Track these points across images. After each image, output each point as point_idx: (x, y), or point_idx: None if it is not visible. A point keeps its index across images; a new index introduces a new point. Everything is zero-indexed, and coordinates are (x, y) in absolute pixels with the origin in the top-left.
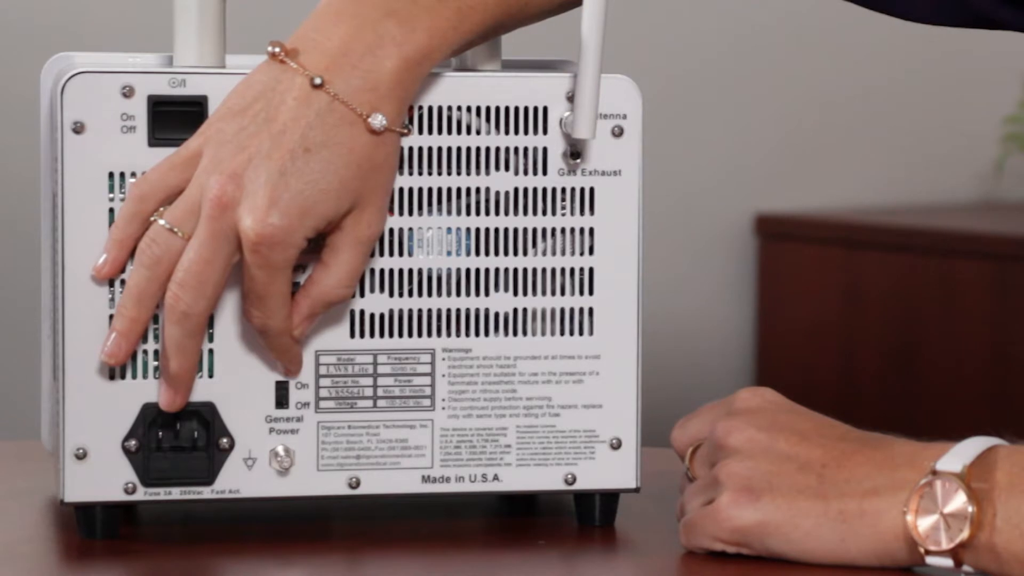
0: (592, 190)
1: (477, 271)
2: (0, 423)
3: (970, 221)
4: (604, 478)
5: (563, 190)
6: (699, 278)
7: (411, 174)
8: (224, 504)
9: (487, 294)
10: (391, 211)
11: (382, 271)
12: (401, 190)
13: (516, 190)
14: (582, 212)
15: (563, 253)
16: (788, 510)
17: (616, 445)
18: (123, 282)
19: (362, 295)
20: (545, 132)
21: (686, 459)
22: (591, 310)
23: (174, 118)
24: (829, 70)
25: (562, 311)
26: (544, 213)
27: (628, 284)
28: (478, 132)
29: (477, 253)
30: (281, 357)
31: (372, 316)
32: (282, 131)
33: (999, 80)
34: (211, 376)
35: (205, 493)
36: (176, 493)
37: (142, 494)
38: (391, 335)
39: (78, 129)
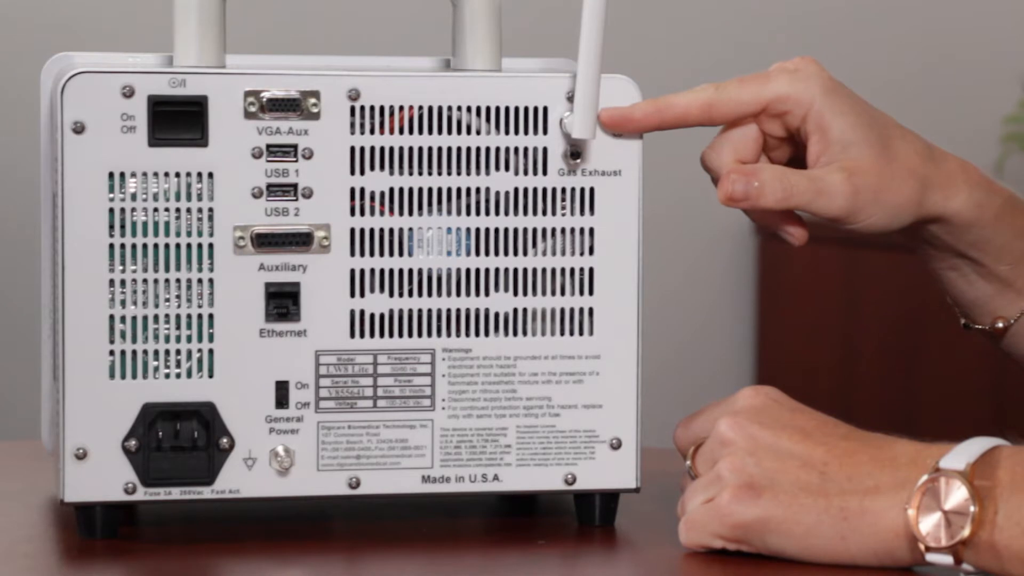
0: (592, 190)
1: (477, 271)
2: (0, 423)
3: None
4: (604, 478)
5: (563, 190)
6: (699, 278)
7: (411, 174)
8: (224, 504)
9: (487, 294)
10: (391, 211)
11: (382, 271)
12: (401, 190)
13: (516, 190)
14: (582, 212)
15: (563, 253)
16: (789, 506)
17: (616, 445)
18: (123, 282)
19: (362, 295)
20: (545, 132)
21: (688, 457)
22: (591, 310)
23: (174, 118)
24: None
25: (562, 311)
26: (544, 213)
27: (628, 284)
28: (478, 132)
29: (477, 253)
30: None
31: (372, 316)
32: None
33: (999, 80)
34: (211, 376)
35: (205, 493)
36: (176, 493)
37: (142, 494)
38: (391, 335)
39: (78, 129)
